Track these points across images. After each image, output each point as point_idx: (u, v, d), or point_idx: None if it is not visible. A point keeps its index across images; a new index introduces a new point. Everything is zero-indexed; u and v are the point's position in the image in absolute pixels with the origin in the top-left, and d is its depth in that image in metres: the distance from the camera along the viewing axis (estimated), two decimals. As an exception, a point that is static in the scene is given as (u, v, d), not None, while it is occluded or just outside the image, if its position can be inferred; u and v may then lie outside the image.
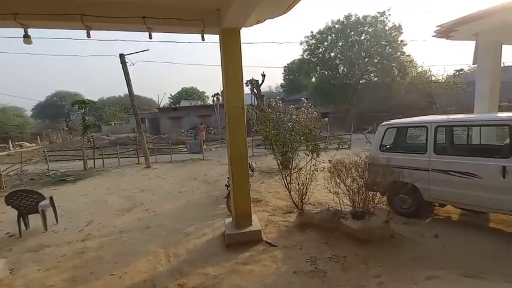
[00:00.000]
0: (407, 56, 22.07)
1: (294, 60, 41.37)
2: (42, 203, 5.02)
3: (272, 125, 4.38)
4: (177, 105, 42.79)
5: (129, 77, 10.54)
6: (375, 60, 22.18)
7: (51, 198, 5.33)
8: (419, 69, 24.70)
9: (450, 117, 4.33)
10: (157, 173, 10.16)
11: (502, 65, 6.40)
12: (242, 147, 3.92)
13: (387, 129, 4.74)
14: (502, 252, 3.25)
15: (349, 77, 22.94)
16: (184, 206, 6.04)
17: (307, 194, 4.31)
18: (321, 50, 24.86)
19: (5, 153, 21.33)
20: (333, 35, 23.83)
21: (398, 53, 21.95)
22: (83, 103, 10.67)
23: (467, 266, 2.93)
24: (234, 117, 3.84)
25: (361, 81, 23.19)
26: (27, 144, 27.13)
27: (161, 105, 44.32)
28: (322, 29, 24.30)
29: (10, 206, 4.80)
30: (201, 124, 19.41)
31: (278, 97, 11.64)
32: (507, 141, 3.76)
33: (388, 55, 21.67)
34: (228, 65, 3.76)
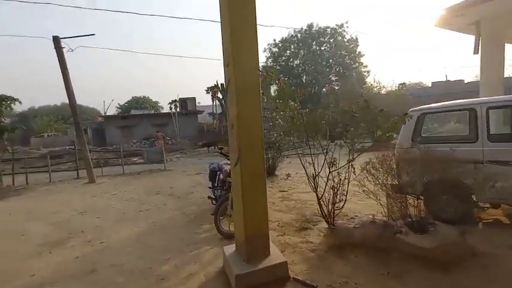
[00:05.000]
0: (364, 66, 23.27)
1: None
2: None
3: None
4: (126, 114, 38.52)
5: (66, 66, 8.19)
6: (336, 70, 22.86)
7: None
8: (372, 81, 26.44)
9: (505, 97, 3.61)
10: (105, 189, 7.89)
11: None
12: (256, 130, 2.52)
13: (421, 115, 3.85)
14: None
15: (313, 85, 23.16)
16: (150, 230, 4.25)
17: (341, 200, 3.07)
18: (284, 58, 24.83)
19: None
20: (295, 44, 24.05)
21: (357, 64, 23.01)
22: (-5, 99, 7.91)
23: None
24: (245, 83, 2.43)
25: (323, 89, 23.61)
26: None
27: (107, 113, 39.55)
28: (284, 38, 24.36)
29: None
30: (157, 132, 17.07)
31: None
32: None
33: (348, 65, 22.53)
34: (234, 8, 2.39)
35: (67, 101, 8.95)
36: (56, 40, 7.98)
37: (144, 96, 60.97)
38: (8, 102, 8.32)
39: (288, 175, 7.52)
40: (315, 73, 22.45)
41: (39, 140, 33.43)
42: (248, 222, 2.52)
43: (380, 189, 3.16)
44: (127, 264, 3.10)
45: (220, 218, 3.80)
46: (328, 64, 23.33)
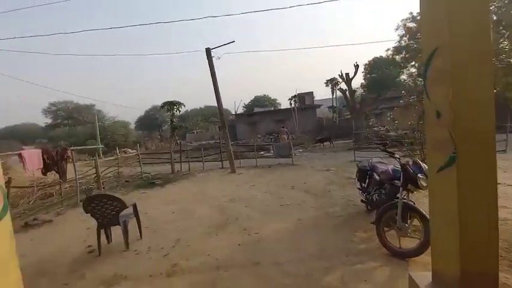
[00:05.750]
0: None
1: (380, 56, 36.32)
2: (124, 212, 3.92)
3: None
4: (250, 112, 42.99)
5: (215, 72, 9.66)
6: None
7: (134, 207, 4.24)
8: None
9: None
10: (244, 179, 8.76)
11: None
12: (487, 119, 1.71)
13: None
14: None
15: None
16: (297, 228, 4.12)
17: None
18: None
19: (113, 157, 24.71)
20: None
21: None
22: (171, 104, 10.38)
23: None
24: (469, 49, 1.68)
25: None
26: (129, 150, 31.12)
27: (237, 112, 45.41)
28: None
29: (89, 214, 3.84)
30: (283, 127, 17.76)
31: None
32: None
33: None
34: None
35: (208, 104, 10.62)
36: (208, 52, 9.54)
37: (264, 95, 66.23)
38: (178, 106, 10.69)
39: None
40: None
41: (191, 135, 42.67)
42: (467, 253, 1.76)
43: None
44: (288, 265, 3.00)
45: (385, 229, 3.14)
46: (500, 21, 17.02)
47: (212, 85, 9.93)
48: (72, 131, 42.16)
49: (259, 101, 61.69)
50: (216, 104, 10.65)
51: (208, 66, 9.74)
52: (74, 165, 7.52)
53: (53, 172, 7.27)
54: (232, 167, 10.12)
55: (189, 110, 67.39)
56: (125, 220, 3.89)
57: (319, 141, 19.77)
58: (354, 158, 10.14)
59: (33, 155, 6.14)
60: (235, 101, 66.76)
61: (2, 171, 2.13)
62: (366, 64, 39.77)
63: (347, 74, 15.96)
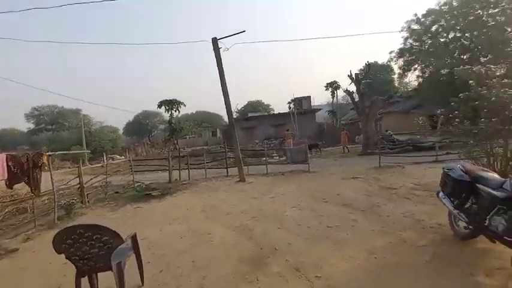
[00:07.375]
0: None
1: (374, 62, 36.13)
2: (120, 247, 2.55)
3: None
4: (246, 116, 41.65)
5: (222, 65, 8.39)
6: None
7: (133, 239, 2.87)
8: None
9: None
10: (258, 189, 7.43)
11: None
12: None
13: None
14: None
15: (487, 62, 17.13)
16: (377, 267, 2.82)
17: None
18: (429, 35, 19.73)
19: (99, 165, 22.78)
20: (449, 15, 18.52)
21: None
22: (170, 103, 9.01)
23: None
24: None
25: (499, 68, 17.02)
26: (118, 156, 29.13)
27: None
28: (431, 9, 19.27)
29: (64, 256, 2.45)
30: (287, 130, 16.57)
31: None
32: None
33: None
34: None
35: (200, 110, 9.29)
36: (215, 42, 8.30)
37: (258, 100, 65.22)
38: (177, 106, 9.31)
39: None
40: (488, 46, 16.41)
41: (184, 141, 40.85)
42: None
43: None
44: None
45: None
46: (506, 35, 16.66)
47: (219, 80, 8.62)
48: (56, 137, 39.61)
49: (253, 106, 60.41)
50: (208, 110, 9.38)
51: (215, 58, 8.45)
52: (51, 174, 6.02)
53: (24, 183, 5.76)
54: (241, 175, 8.78)
55: (179, 116, 65.27)
56: (120, 262, 2.52)
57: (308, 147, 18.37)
58: (379, 164, 9.01)
59: (-8, 162, 4.64)
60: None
61: None
62: (360, 69, 39.68)
63: (357, 74, 15.06)
